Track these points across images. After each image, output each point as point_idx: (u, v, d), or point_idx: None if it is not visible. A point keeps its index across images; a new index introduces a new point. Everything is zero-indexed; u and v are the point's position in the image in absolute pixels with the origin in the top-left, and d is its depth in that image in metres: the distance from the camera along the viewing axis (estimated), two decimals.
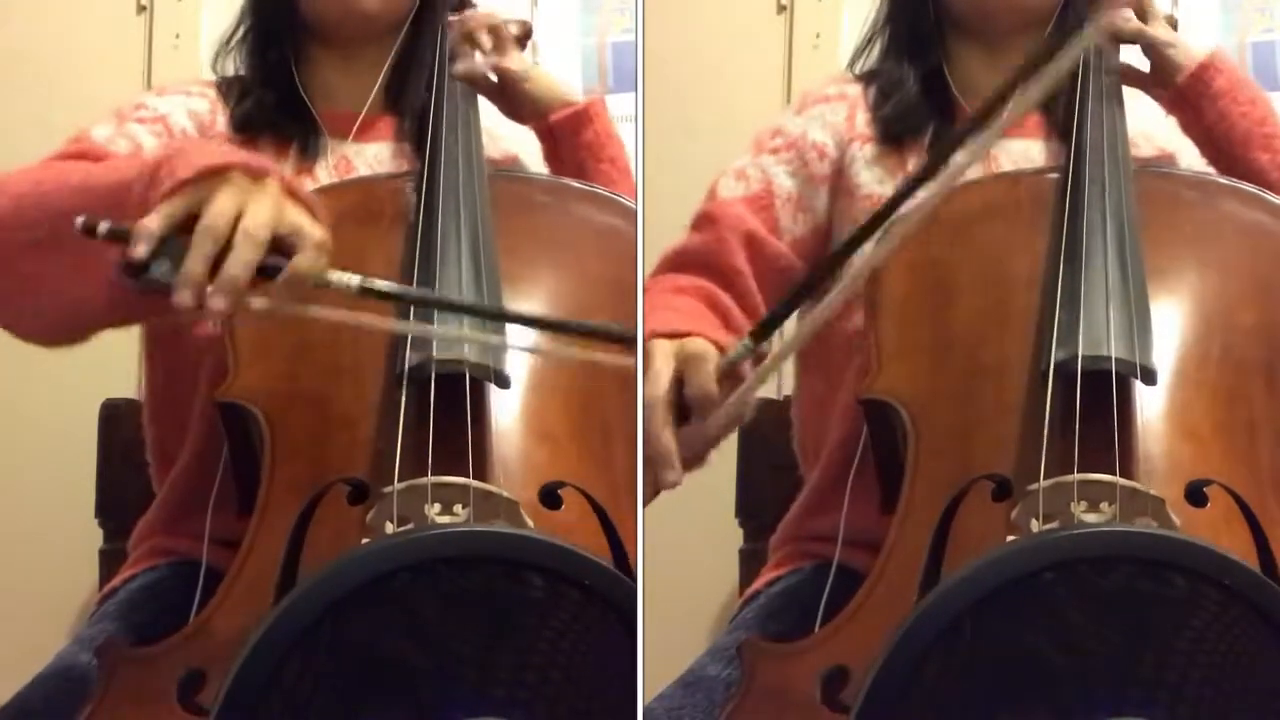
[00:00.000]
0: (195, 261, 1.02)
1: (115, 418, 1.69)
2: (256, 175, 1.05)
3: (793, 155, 1.47)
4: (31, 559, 1.98)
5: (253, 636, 0.96)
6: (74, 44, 2.08)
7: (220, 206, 1.03)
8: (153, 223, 1.03)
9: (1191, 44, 1.45)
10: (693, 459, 1.17)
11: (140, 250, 1.02)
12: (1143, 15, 1.44)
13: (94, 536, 1.70)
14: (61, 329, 1.20)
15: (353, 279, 1.05)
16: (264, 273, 1.04)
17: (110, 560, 1.63)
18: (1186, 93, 1.42)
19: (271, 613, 0.96)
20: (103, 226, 1.04)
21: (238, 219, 1.03)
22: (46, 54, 2.07)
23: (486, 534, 1.02)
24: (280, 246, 1.04)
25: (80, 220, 1.04)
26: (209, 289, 1.02)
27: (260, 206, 1.04)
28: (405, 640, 0.97)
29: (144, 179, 1.07)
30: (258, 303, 1.04)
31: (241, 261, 1.02)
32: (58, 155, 1.33)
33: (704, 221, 1.44)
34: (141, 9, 2.11)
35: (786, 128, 1.50)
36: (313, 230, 1.05)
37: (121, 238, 1.04)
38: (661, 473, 1.13)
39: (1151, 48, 1.44)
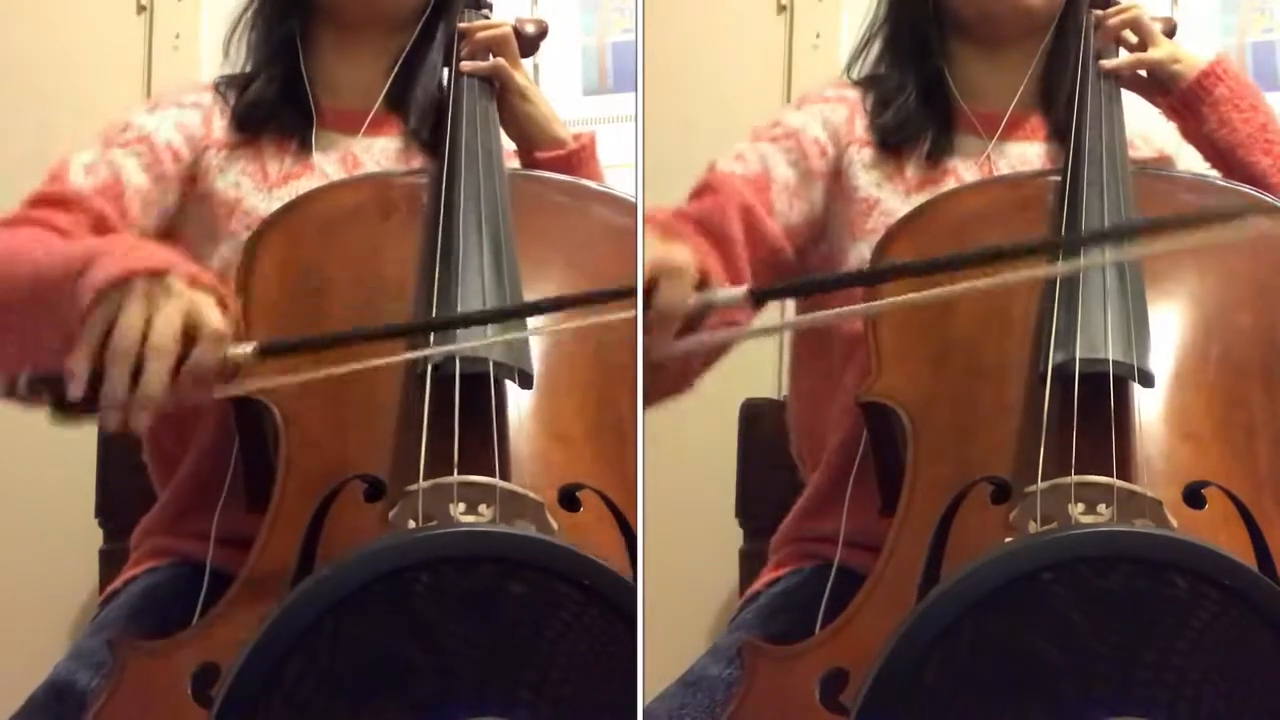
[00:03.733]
0: (115, 388, 1.08)
1: None
2: (158, 276, 1.11)
3: (792, 145, 1.46)
4: (31, 559, 1.98)
5: (254, 635, 0.96)
6: (74, 44, 2.08)
7: (126, 324, 1.09)
8: (78, 363, 1.09)
9: (1192, 54, 1.45)
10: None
11: (75, 392, 1.09)
12: (1140, 35, 1.44)
13: (94, 536, 1.70)
14: None
15: (247, 349, 1.11)
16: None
17: (110, 560, 1.63)
18: (1187, 100, 1.43)
19: (274, 612, 0.97)
20: (21, 381, 1.11)
21: (146, 331, 1.09)
22: (46, 54, 2.07)
23: (486, 534, 1.02)
24: (189, 338, 1.10)
25: (1, 383, 1.12)
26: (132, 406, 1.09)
27: (164, 315, 1.09)
28: (406, 640, 0.97)
29: (70, 279, 1.12)
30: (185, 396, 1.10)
31: (154, 379, 1.08)
32: (34, 199, 1.35)
33: (703, 189, 1.43)
34: (141, 9, 2.11)
35: (786, 120, 1.49)
36: (212, 323, 1.10)
37: (39, 390, 1.10)
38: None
39: (1154, 69, 1.44)
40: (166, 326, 1.09)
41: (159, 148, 1.41)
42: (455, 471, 1.09)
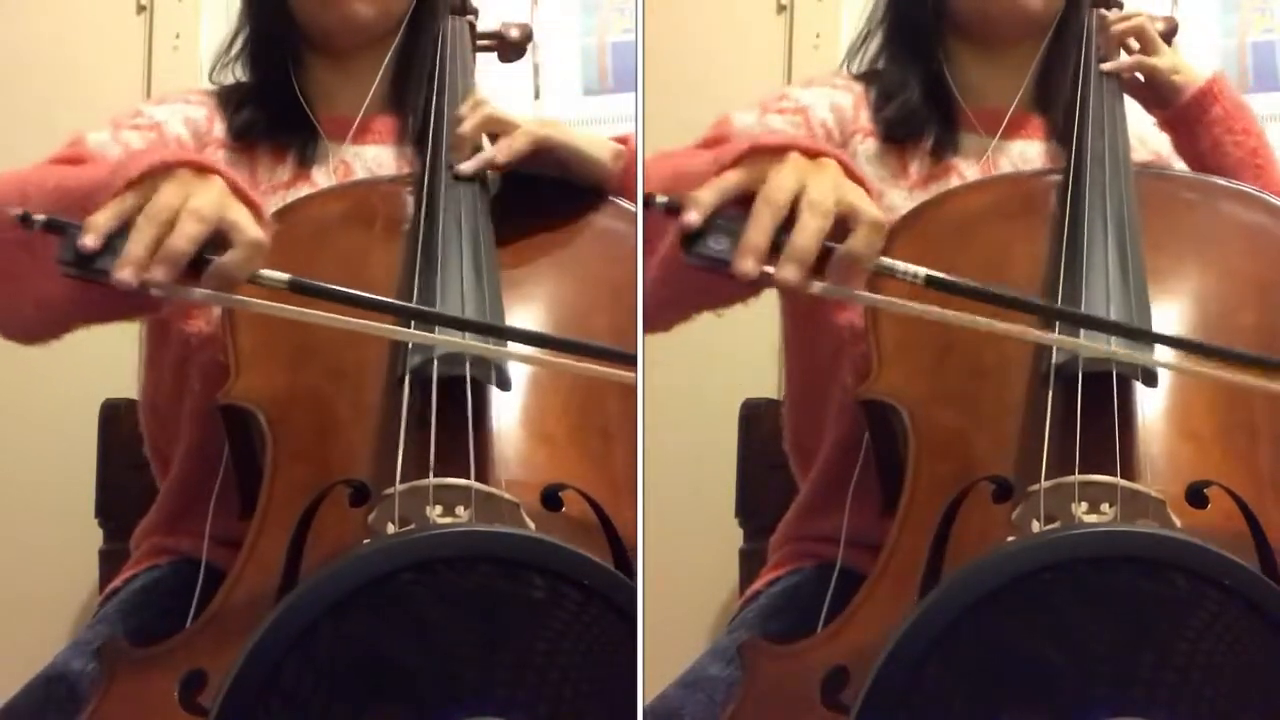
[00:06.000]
0: (136, 243, 1.05)
1: (115, 418, 1.69)
2: (202, 172, 1.09)
3: (800, 121, 1.45)
4: (31, 559, 1.98)
5: (252, 637, 0.96)
6: (74, 44, 2.08)
7: (163, 197, 1.07)
8: (101, 216, 1.06)
9: (1193, 67, 1.45)
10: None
11: (89, 241, 1.05)
12: (1143, 44, 1.44)
13: (94, 536, 1.70)
14: (34, 326, 1.24)
15: (282, 277, 1.08)
16: (196, 267, 1.07)
17: (110, 560, 1.63)
18: (1183, 117, 1.43)
19: (271, 613, 0.96)
20: (38, 218, 1.06)
21: (180, 209, 1.06)
22: (46, 54, 2.07)
23: (486, 534, 1.02)
24: (218, 243, 1.07)
25: (15, 213, 1.07)
26: (150, 264, 1.05)
27: (203, 196, 1.07)
28: (405, 640, 0.97)
29: (111, 180, 1.09)
30: (197, 292, 1.07)
31: (183, 236, 1.05)
32: (54, 159, 1.34)
33: (722, 141, 1.35)
34: (141, 9, 2.11)
35: (795, 95, 1.48)
36: (250, 231, 1.08)
37: (57, 229, 1.06)
38: (741, 260, 1.04)
39: (1153, 75, 1.44)
40: (206, 202, 1.07)
41: (168, 138, 1.42)
42: (431, 474, 1.09)
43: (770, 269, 1.05)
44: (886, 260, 1.08)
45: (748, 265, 1.04)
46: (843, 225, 1.06)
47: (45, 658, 1.27)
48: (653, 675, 1.15)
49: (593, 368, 1.12)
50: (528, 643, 0.98)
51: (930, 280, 1.07)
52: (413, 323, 1.17)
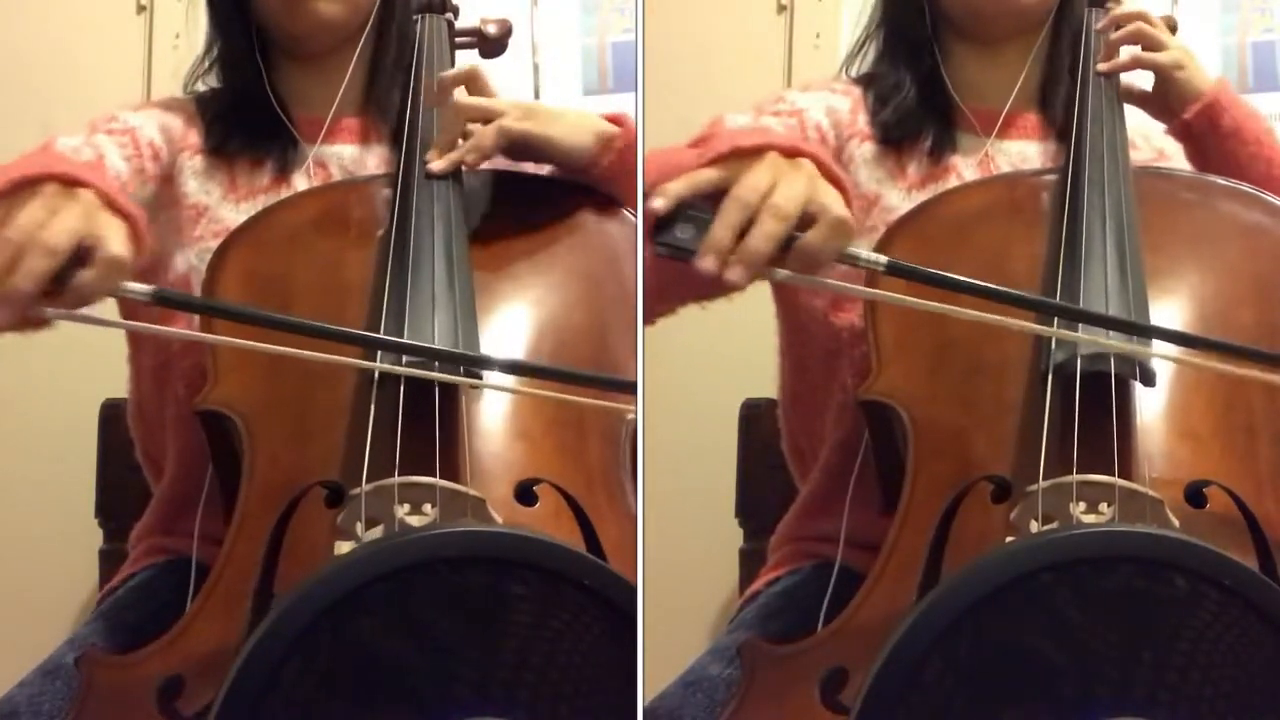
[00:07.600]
0: None
1: (115, 418, 1.69)
2: (72, 185, 1.07)
3: (795, 124, 1.45)
4: (31, 559, 1.99)
5: (252, 639, 0.95)
6: (74, 44, 2.08)
7: (23, 218, 1.03)
8: None
9: (1199, 62, 1.44)
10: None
11: None
12: (1145, 42, 1.44)
13: (94, 536, 1.71)
14: None
15: (145, 289, 1.06)
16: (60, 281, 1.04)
17: (110, 560, 1.63)
18: (1192, 129, 1.42)
19: (271, 614, 0.96)
20: None
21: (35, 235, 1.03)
22: (46, 54, 2.07)
23: (486, 534, 1.02)
24: (86, 255, 1.04)
25: None
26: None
27: (62, 219, 1.04)
28: (404, 641, 0.97)
29: None
30: (51, 313, 1.05)
31: (27, 273, 1.01)
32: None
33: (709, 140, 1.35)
34: (141, 9, 2.11)
35: (791, 98, 1.48)
36: (112, 248, 1.04)
37: None
38: (704, 255, 1.05)
39: (1156, 72, 1.43)
40: (61, 229, 1.03)
41: (141, 143, 1.42)
42: (397, 473, 1.09)
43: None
44: (849, 249, 1.08)
45: (710, 261, 1.04)
46: (810, 221, 1.06)
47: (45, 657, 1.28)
48: (653, 675, 1.15)
49: (584, 401, 1.14)
50: (527, 643, 0.98)
51: (891, 267, 1.08)
52: (382, 328, 1.18)
